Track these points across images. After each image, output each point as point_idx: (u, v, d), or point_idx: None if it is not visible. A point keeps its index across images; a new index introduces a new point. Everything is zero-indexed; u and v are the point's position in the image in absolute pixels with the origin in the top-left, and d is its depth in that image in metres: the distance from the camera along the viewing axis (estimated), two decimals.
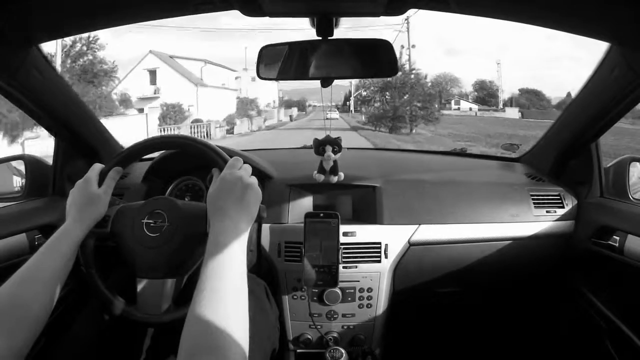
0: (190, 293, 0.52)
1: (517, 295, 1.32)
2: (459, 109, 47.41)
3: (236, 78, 31.59)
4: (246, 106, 26.65)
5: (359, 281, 1.02)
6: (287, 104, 52.04)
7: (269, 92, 35.48)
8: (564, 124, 1.13)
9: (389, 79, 15.75)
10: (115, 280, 0.76)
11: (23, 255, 0.88)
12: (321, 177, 1.06)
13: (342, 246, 0.98)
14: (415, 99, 16.92)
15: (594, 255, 1.01)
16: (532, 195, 1.10)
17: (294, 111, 44.66)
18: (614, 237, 0.93)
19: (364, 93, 18.21)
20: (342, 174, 1.06)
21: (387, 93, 17.64)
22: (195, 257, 0.71)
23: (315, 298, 1.02)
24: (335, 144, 1.04)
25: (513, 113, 36.71)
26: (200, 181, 1.16)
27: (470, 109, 45.80)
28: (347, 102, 53.10)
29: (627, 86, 0.84)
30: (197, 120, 18.69)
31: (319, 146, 1.05)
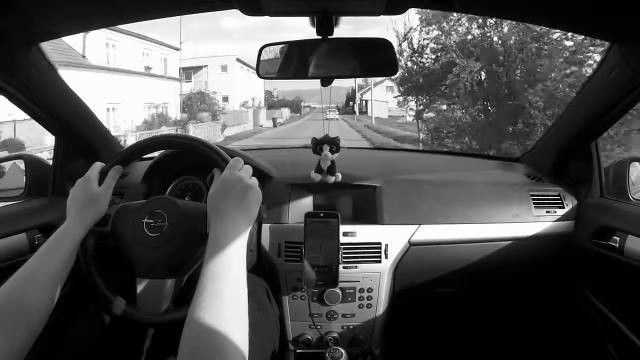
0: (190, 293, 0.52)
1: (517, 295, 1.32)
2: None
3: (202, 67, 22.36)
4: (198, 106, 17.44)
5: (359, 281, 1.02)
6: (279, 104, 43.26)
7: (249, 87, 26.52)
8: (564, 124, 1.12)
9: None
10: (115, 280, 0.76)
11: (23, 255, 0.88)
12: (318, 177, 1.05)
13: (342, 246, 0.98)
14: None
15: (594, 255, 1.01)
16: (532, 195, 1.10)
17: (284, 113, 35.00)
18: (614, 237, 0.93)
19: (414, 66, 7.68)
20: (339, 175, 1.06)
21: (500, 68, 6.57)
22: (195, 258, 0.71)
23: (315, 298, 1.02)
24: (333, 143, 1.04)
25: None
26: (201, 181, 1.16)
27: None
28: (351, 103, 47.01)
29: (627, 86, 0.84)
30: (5, 145, 8.65)
31: (317, 145, 1.05)
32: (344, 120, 30.29)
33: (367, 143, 12.87)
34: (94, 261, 0.71)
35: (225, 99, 22.60)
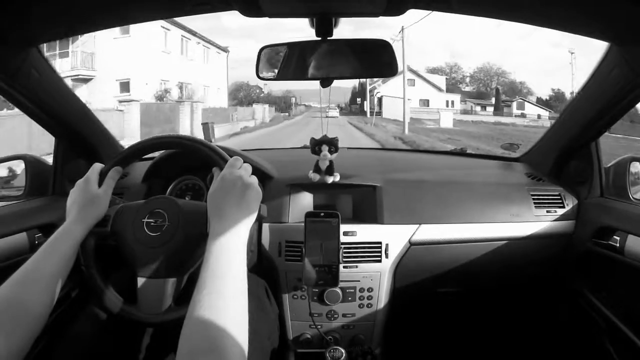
0: (190, 292, 0.52)
1: (518, 295, 1.32)
2: (523, 115, 32.63)
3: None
4: None
5: (359, 281, 1.02)
6: (264, 100, 32.58)
7: (191, 67, 16.62)
8: (564, 124, 1.12)
9: None
10: (116, 279, 0.76)
11: (23, 255, 0.88)
12: (316, 177, 1.06)
13: (343, 246, 0.98)
14: None
15: (594, 255, 1.01)
16: (532, 195, 1.10)
17: (259, 111, 22.61)
18: (614, 237, 0.93)
19: None
20: (338, 175, 1.06)
21: None
22: (196, 257, 0.71)
23: (315, 298, 1.02)
24: (332, 144, 1.04)
25: None
26: (201, 181, 1.16)
27: (539, 115, 32.17)
28: (359, 100, 37.01)
29: (627, 86, 0.84)
30: None
31: (315, 146, 1.05)
32: (350, 124, 20.64)
33: None
34: (94, 262, 0.71)
35: (125, 86, 13.56)
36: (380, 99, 30.94)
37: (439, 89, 34.74)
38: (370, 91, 32.24)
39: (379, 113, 28.24)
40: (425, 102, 33.54)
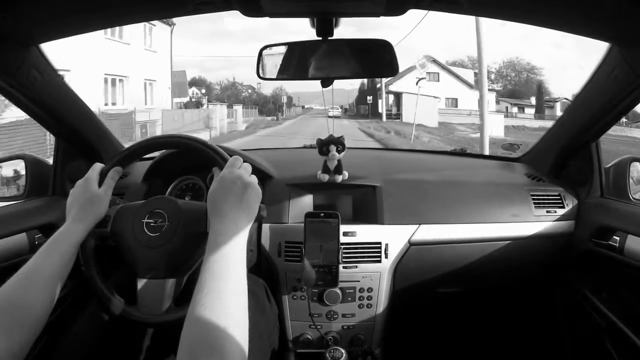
0: (190, 293, 0.52)
1: (518, 295, 1.32)
2: None
3: None
4: None
5: (359, 281, 1.02)
6: (251, 101, 28.26)
7: (80, 47, 8.46)
8: (564, 124, 1.13)
9: None
10: (116, 280, 0.76)
11: (23, 255, 0.88)
12: (326, 177, 1.06)
13: (342, 246, 0.98)
14: None
15: (594, 255, 1.01)
16: (532, 195, 1.10)
17: (219, 116, 15.67)
18: (614, 237, 0.94)
19: None
20: (346, 173, 1.07)
21: None
22: (196, 257, 0.71)
23: (315, 298, 1.02)
24: (339, 143, 1.05)
25: None
26: (201, 180, 1.16)
27: None
28: (369, 98, 28.37)
29: (627, 86, 0.85)
30: None
31: (323, 146, 1.05)
32: (360, 131, 15.33)
33: None
34: (94, 262, 0.71)
35: None
36: (398, 97, 22.12)
37: (470, 86, 25.70)
38: (386, 86, 23.79)
39: (398, 115, 21.38)
40: (453, 102, 25.70)
